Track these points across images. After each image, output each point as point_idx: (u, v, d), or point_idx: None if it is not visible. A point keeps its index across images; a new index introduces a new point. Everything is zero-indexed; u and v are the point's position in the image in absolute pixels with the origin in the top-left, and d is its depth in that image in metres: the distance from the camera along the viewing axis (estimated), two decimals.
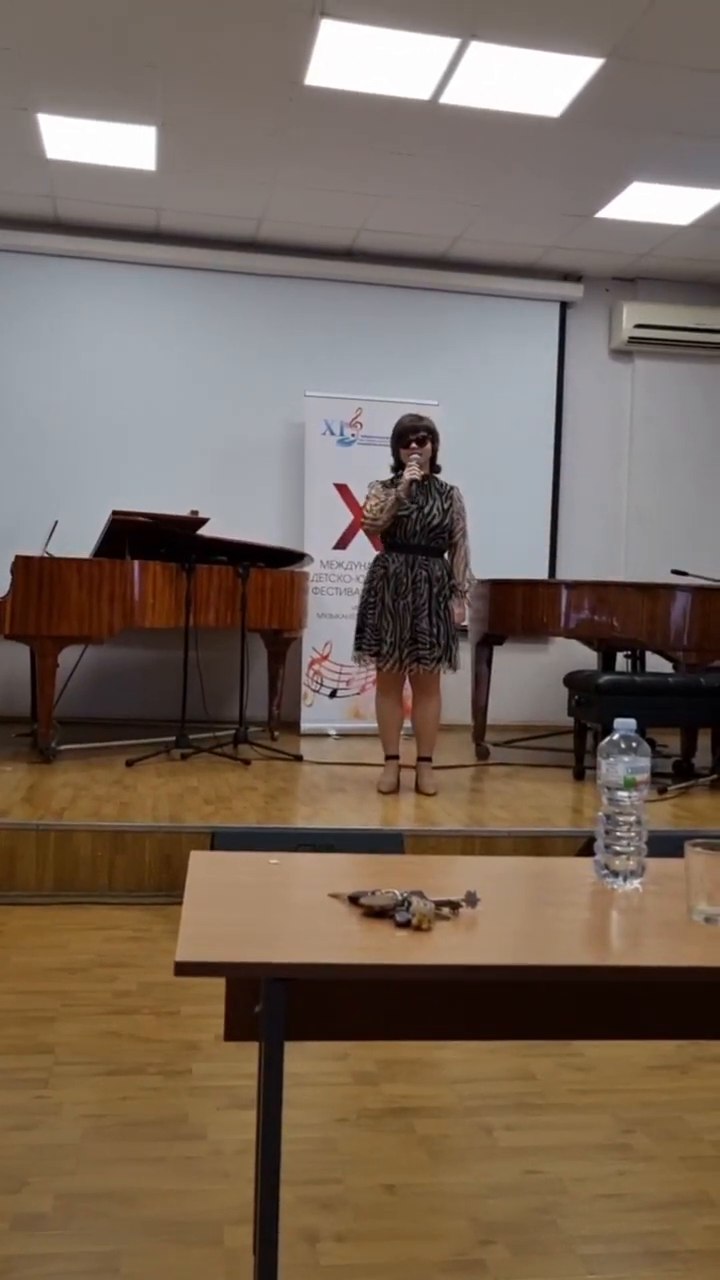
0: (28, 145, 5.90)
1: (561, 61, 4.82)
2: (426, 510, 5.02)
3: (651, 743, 6.93)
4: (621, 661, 7.06)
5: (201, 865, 1.79)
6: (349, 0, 4.40)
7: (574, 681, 5.89)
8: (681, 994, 1.59)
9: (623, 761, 1.75)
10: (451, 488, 5.12)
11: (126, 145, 5.87)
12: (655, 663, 6.87)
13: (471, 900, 1.61)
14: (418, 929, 1.52)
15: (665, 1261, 2.03)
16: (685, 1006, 1.61)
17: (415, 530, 5.02)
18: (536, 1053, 2.89)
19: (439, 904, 1.58)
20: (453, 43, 4.69)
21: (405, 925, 1.53)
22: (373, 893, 1.60)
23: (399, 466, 5.09)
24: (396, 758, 5.26)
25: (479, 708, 6.38)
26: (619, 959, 1.50)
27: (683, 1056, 2.91)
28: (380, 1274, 1.96)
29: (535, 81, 5.00)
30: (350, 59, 4.85)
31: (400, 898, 1.58)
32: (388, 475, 5.15)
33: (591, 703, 5.59)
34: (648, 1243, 2.09)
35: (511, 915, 1.65)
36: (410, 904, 1.55)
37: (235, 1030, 1.69)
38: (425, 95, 5.16)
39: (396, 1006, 1.57)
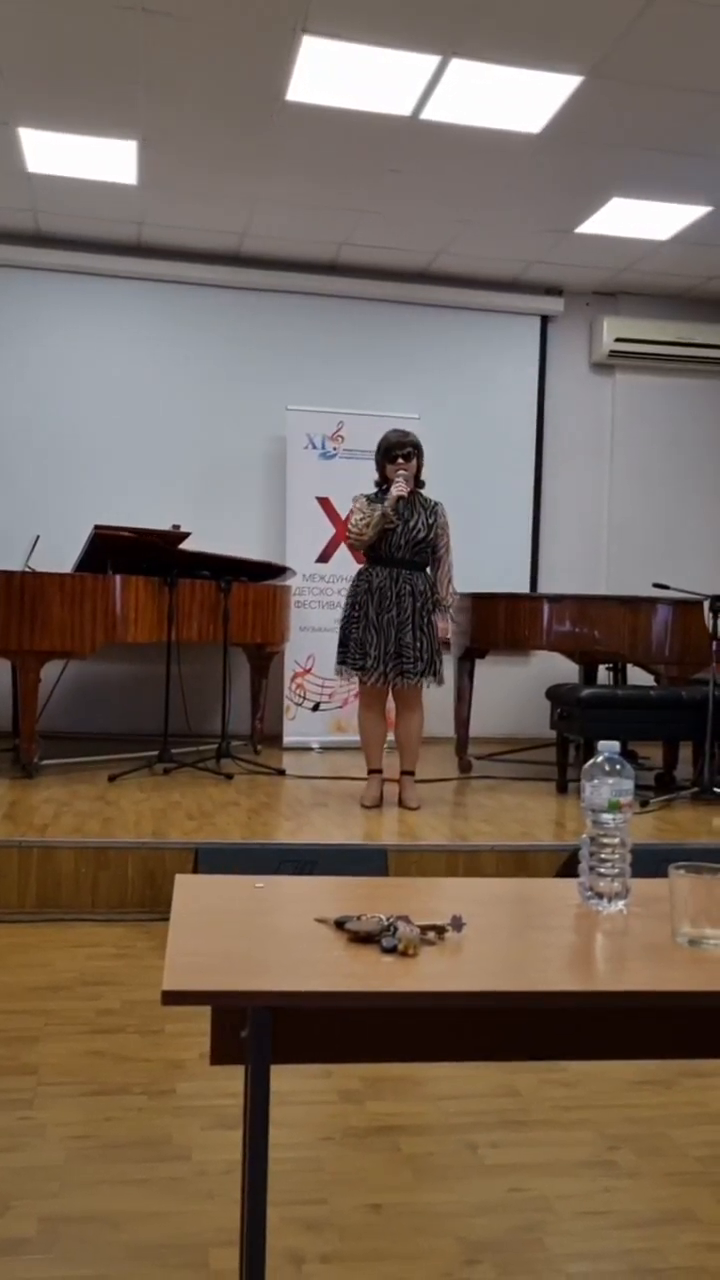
0: (8, 159, 5.90)
1: (541, 79, 4.85)
2: (412, 525, 5.04)
3: (633, 755, 6.96)
4: (603, 674, 7.09)
5: (186, 891, 1.79)
6: (330, 17, 4.43)
7: (556, 695, 5.91)
8: (667, 1016, 1.60)
9: (607, 784, 1.76)
10: (436, 503, 5.14)
11: (108, 159, 5.88)
12: (637, 676, 6.89)
13: (457, 925, 1.62)
14: (404, 955, 1.52)
15: (651, 1279, 2.04)
16: (670, 1028, 1.62)
17: (400, 545, 5.03)
18: (521, 1069, 2.89)
19: (424, 929, 1.59)
20: (433, 60, 4.72)
21: (391, 951, 1.53)
22: (358, 917, 1.61)
23: (384, 481, 5.10)
24: (380, 772, 5.26)
25: (461, 721, 6.39)
26: (604, 984, 1.50)
27: (667, 1072, 2.92)
28: None
29: (515, 98, 5.03)
30: (332, 75, 4.87)
31: (386, 923, 1.58)
32: (370, 489, 5.16)
33: (574, 716, 5.60)
34: (633, 1260, 2.10)
35: (497, 940, 1.65)
36: (396, 929, 1.56)
37: (221, 1054, 1.69)
38: (406, 111, 5.19)
39: (383, 1030, 1.57)
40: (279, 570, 6.69)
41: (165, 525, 6.06)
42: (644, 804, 5.34)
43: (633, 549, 7.92)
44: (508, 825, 4.91)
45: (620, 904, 1.78)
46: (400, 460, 5.02)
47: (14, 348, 7.15)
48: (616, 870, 1.77)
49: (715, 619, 5.49)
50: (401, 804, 5.19)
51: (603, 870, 1.77)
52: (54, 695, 6.38)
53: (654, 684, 6.27)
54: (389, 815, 5.06)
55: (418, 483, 5.11)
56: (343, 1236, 2.13)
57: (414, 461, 5.05)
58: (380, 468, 5.13)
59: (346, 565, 6.73)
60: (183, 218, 6.71)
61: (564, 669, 7.11)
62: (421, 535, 5.04)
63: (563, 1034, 1.59)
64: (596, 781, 1.77)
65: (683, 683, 5.93)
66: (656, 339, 7.75)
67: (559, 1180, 2.38)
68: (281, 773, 6.06)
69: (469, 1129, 2.59)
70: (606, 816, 1.76)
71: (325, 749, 7.01)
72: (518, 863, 4.49)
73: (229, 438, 7.42)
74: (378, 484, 5.15)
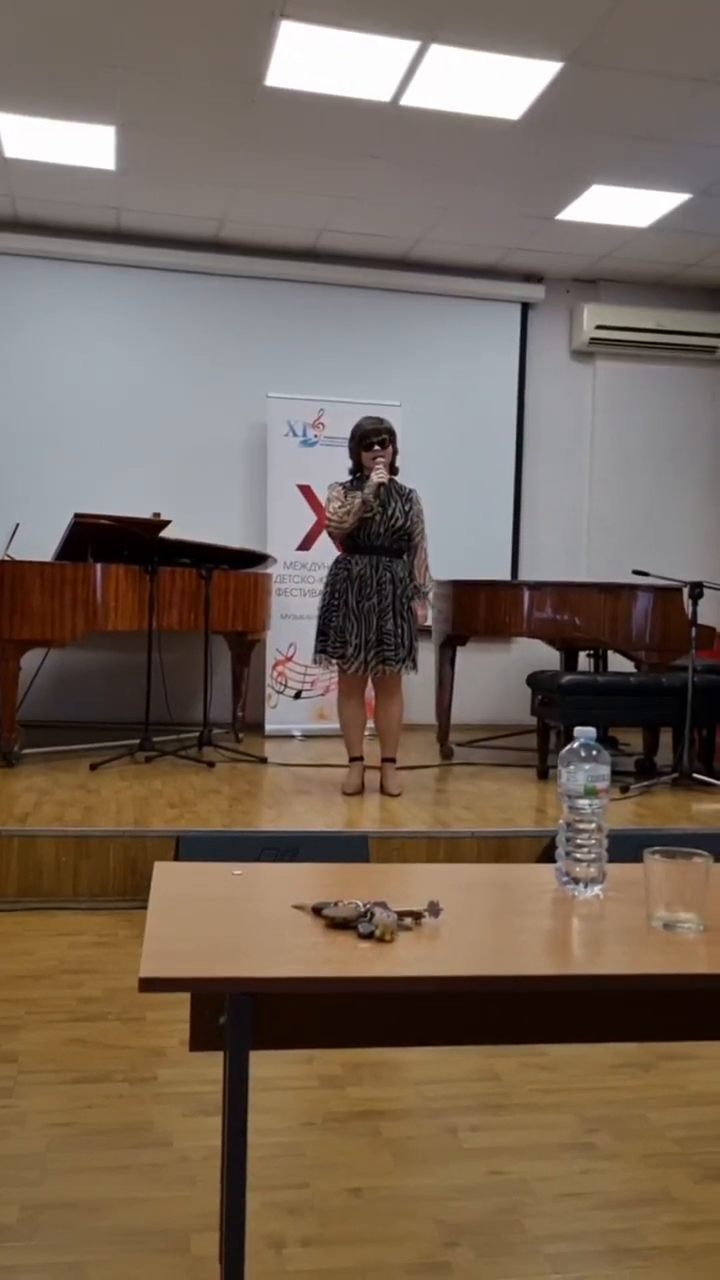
0: None
1: (521, 65, 4.84)
2: (390, 512, 5.04)
3: (614, 741, 6.97)
4: (584, 661, 7.11)
5: (165, 878, 1.79)
6: (309, 1, 4.41)
7: (537, 682, 5.92)
8: (643, 999, 1.61)
9: (583, 770, 1.77)
10: (410, 490, 5.14)
11: (86, 145, 5.84)
12: (617, 662, 6.92)
13: (434, 910, 1.62)
14: (380, 940, 1.53)
15: (629, 1259, 2.06)
16: (646, 1011, 1.63)
17: (379, 532, 5.03)
18: (500, 1053, 2.91)
19: (401, 914, 1.59)
20: (413, 45, 4.70)
21: (368, 937, 1.54)
22: (336, 904, 1.61)
23: (358, 468, 5.09)
24: (361, 759, 5.27)
25: (443, 708, 6.40)
26: (580, 968, 1.51)
27: (644, 1055, 2.94)
28: (346, 1279, 1.97)
29: (495, 84, 5.02)
30: (310, 60, 4.84)
31: (363, 909, 1.59)
32: (348, 477, 5.15)
33: (554, 702, 5.62)
34: (611, 1241, 2.12)
35: (474, 925, 1.66)
36: (373, 915, 1.56)
37: (200, 1041, 1.70)
38: (386, 97, 5.17)
39: (360, 1016, 1.58)
40: (260, 558, 6.68)
41: (146, 513, 6.05)
42: (624, 789, 5.37)
43: (613, 536, 7.94)
44: (488, 812, 4.92)
45: (596, 889, 1.79)
46: (376, 447, 5.01)
47: None
48: (592, 855, 1.78)
49: (694, 606, 5.51)
50: (383, 791, 5.20)
51: (579, 855, 1.78)
52: (35, 683, 6.36)
53: (634, 670, 6.30)
54: (370, 802, 5.08)
55: (392, 469, 5.11)
56: (323, 1220, 2.14)
57: (389, 448, 5.04)
58: (354, 455, 5.12)
59: (327, 553, 6.71)
60: (161, 203, 6.68)
61: (545, 656, 7.13)
62: (400, 523, 5.04)
63: (540, 1018, 1.61)
64: (573, 767, 1.78)
65: (663, 669, 5.96)
66: (637, 326, 7.76)
67: (538, 1163, 2.39)
68: (263, 760, 6.07)
69: (449, 1113, 2.61)
70: (583, 802, 1.77)
71: (307, 737, 7.01)
72: (499, 849, 4.50)
73: (209, 425, 7.39)
74: (352, 471, 5.14)
